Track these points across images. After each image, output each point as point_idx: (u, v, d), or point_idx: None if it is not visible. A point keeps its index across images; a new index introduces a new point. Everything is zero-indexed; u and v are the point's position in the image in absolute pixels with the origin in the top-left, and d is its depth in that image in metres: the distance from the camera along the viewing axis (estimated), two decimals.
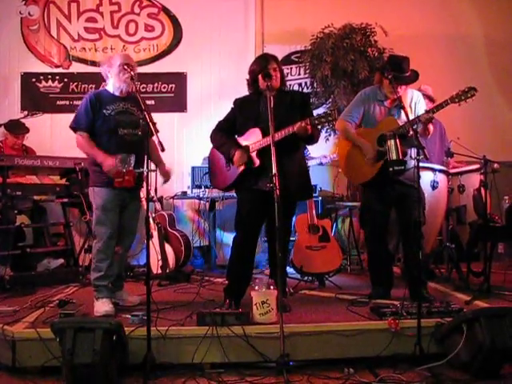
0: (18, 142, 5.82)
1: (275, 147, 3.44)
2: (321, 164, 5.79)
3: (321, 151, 6.04)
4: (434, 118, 3.92)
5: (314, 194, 5.86)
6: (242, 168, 3.91)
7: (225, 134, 4.04)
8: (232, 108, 4.09)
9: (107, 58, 4.18)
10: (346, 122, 4.21)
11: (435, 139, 5.30)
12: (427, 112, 3.90)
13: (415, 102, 4.17)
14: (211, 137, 4.09)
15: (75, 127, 3.92)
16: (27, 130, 5.85)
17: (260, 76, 3.85)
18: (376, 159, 4.02)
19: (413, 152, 3.93)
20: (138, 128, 3.84)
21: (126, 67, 3.87)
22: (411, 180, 4.04)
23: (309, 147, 5.46)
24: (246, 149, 3.89)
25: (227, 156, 3.96)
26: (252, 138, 3.89)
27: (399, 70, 4.03)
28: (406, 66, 4.07)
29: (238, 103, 4.06)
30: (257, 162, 3.85)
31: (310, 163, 5.18)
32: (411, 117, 3.90)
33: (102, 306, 3.76)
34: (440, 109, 3.83)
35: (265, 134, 3.77)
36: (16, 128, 5.75)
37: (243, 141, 3.95)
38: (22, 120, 5.78)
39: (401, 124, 3.95)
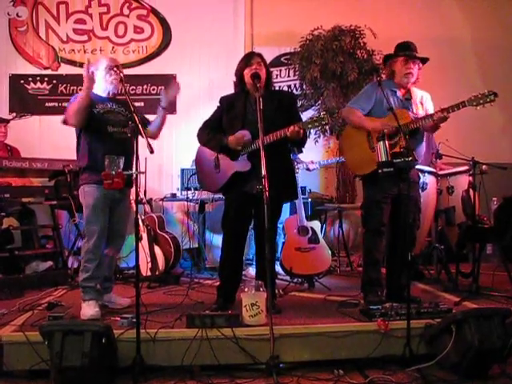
0: (1, 131, 5.81)
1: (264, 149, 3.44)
2: (308, 170, 5.74)
3: (311, 155, 6.01)
4: (448, 118, 3.78)
5: (304, 196, 5.87)
6: (232, 172, 3.91)
7: (211, 131, 4.02)
8: (218, 106, 4.08)
9: (93, 61, 4.19)
10: (354, 109, 4.07)
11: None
12: (442, 111, 3.76)
13: (425, 99, 4.10)
14: (198, 135, 4.08)
15: (63, 118, 3.91)
16: (7, 121, 5.85)
17: (246, 74, 3.86)
18: (393, 131, 3.82)
19: (427, 159, 3.92)
20: (127, 127, 3.85)
21: (112, 69, 3.92)
22: (414, 180, 4.04)
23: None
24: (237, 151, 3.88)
25: (219, 146, 3.92)
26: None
27: (409, 49, 4.02)
28: (414, 47, 4.05)
29: (225, 101, 4.05)
30: (248, 165, 3.85)
31: (296, 167, 5.11)
32: (421, 113, 3.89)
33: (88, 310, 3.74)
34: (455, 110, 3.71)
35: (254, 136, 3.77)
36: None
37: None
38: (11, 122, 5.76)
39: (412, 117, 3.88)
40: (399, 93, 4.07)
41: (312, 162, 5.71)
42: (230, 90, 4.16)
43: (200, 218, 6.28)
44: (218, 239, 5.88)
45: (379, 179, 3.88)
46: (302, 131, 3.71)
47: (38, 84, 6.92)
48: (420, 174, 4.61)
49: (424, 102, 4.09)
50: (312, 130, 6.21)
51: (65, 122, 3.91)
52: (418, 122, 3.84)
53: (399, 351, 3.30)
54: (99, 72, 3.96)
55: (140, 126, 3.37)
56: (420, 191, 4.56)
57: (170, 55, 7.10)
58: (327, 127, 6.27)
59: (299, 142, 3.91)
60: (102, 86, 3.99)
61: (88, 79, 3.75)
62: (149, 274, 5.29)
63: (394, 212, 4.05)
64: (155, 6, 7.10)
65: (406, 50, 4.04)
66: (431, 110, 4.04)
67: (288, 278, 5.02)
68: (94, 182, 3.83)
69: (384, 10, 6.96)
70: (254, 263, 4.32)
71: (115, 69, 3.92)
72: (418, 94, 4.11)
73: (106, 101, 3.98)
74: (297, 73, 6.89)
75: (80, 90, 6.53)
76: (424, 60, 4.07)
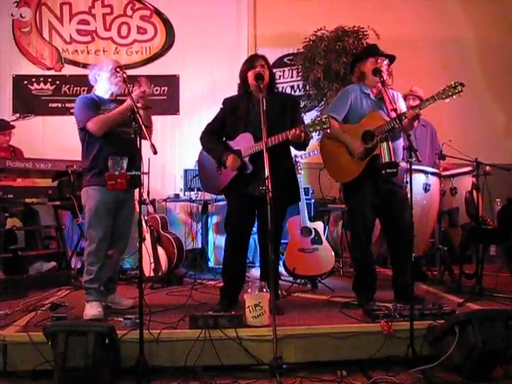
0: (6, 140, 5.82)
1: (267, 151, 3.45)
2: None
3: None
4: (420, 115, 3.84)
5: (307, 197, 5.87)
6: (234, 173, 3.91)
7: (215, 136, 4.03)
8: (221, 108, 4.08)
9: (96, 63, 4.18)
10: (331, 119, 4.04)
11: (426, 142, 5.32)
12: (413, 108, 3.84)
13: (396, 98, 4.14)
14: (201, 139, 4.09)
15: (83, 122, 3.84)
16: (13, 126, 5.84)
17: (250, 76, 3.87)
18: (364, 156, 3.94)
19: (405, 154, 3.94)
20: (130, 128, 3.86)
21: (117, 70, 3.92)
22: (399, 181, 4.05)
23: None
24: (239, 154, 3.88)
25: (219, 160, 3.95)
26: (243, 143, 3.88)
27: (377, 49, 4.17)
28: (378, 49, 4.18)
29: (228, 103, 4.05)
30: (250, 167, 3.85)
31: (298, 168, 5.06)
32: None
33: (91, 310, 3.75)
34: (427, 105, 3.78)
35: (256, 138, 3.76)
36: (1, 125, 5.73)
37: (234, 145, 3.94)
38: (13, 123, 5.76)
39: (385, 118, 3.93)
40: (372, 94, 4.12)
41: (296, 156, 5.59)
42: (233, 90, 4.16)
43: (203, 218, 6.29)
44: (221, 240, 5.88)
45: (363, 184, 3.98)
46: (303, 135, 3.70)
47: (42, 85, 6.93)
48: (423, 175, 4.61)
49: (396, 101, 4.10)
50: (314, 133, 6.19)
51: (83, 128, 3.88)
52: (391, 123, 3.84)
53: (402, 352, 3.30)
54: (104, 73, 3.97)
55: (143, 127, 3.37)
56: (423, 192, 4.58)
57: (173, 56, 7.11)
58: (329, 130, 6.24)
59: (301, 145, 3.91)
60: (106, 87, 4.00)
61: (141, 98, 3.75)
62: (152, 274, 5.29)
63: (389, 213, 4.06)
64: (158, 6, 7.10)
65: (373, 51, 4.17)
66: (404, 109, 4.09)
67: (291, 278, 5.02)
68: (96, 184, 3.82)
69: (387, 11, 6.95)
70: (256, 264, 4.33)
71: (118, 70, 3.93)
72: (388, 92, 4.10)
73: (109, 102, 3.98)
74: (300, 73, 6.89)
75: (83, 90, 6.65)
76: (391, 58, 4.15)
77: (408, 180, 4.56)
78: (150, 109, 3.94)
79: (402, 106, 4.13)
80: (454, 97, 3.66)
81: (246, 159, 3.85)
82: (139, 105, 3.71)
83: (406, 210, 3.83)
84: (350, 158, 4.02)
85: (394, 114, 3.81)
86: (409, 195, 3.48)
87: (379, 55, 4.10)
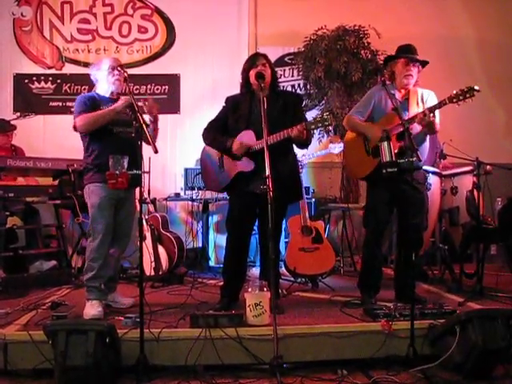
0: (8, 141, 5.82)
1: (268, 149, 3.45)
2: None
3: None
4: (430, 118, 3.81)
5: (308, 196, 5.86)
6: (235, 171, 3.91)
7: (217, 131, 4.03)
8: (224, 106, 4.08)
9: (96, 62, 4.19)
10: (352, 116, 4.16)
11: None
12: (423, 112, 3.83)
13: (426, 98, 4.10)
14: (203, 135, 4.08)
15: (74, 119, 3.90)
16: (14, 127, 5.83)
17: (251, 74, 3.87)
18: (383, 138, 3.80)
19: (430, 157, 3.91)
20: (131, 127, 3.85)
21: (116, 69, 3.94)
22: (419, 182, 4.04)
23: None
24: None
25: (223, 147, 3.94)
26: (246, 140, 3.87)
27: (410, 51, 4.07)
28: (415, 50, 4.09)
29: (231, 101, 4.05)
30: (252, 165, 3.86)
31: (300, 166, 5.05)
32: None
33: (91, 310, 3.75)
34: (437, 108, 3.80)
35: (258, 136, 3.77)
36: (3, 127, 5.73)
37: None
38: (13, 121, 5.76)
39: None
40: (398, 95, 4.09)
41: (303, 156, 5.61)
42: (233, 89, 4.16)
43: (204, 217, 6.29)
44: (221, 239, 5.88)
45: (379, 182, 3.95)
46: (305, 132, 3.70)
47: (43, 83, 6.94)
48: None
49: (425, 101, 4.08)
50: (316, 130, 6.20)
51: (75, 129, 3.91)
52: (403, 124, 3.76)
53: (403, 352, 3.30)
54: (101, 72, 3.99)
55: (144, 126, 3.37)
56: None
57: (173, 55, 7.10)
58: (331, 127, 6.26)
59: (303, 143, 3.91)
60: (105, 86, 4.01)
61: (123, 106, 3.79)
62: (152, 273, 5.29)
63: (400, 213, 4.06)
64: (159, 5, 7.10)
65: (407, 53, 4.08)
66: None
67: (292, 278, 5.01)
68: (99, 181, 3.83)
69: (388, 10, 6.95)
70: (256, 263, 4.33)
71: (119, 68, 3.94)
72: (418, 93, 4.12)
73: (109, 101, 3.98)
74: (301, 73, 6.89)
75: (84, 89, 6.65)
76: (424, 63, 4.11)
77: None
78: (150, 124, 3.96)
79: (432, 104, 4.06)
80: (466, 101, 3.65)
81: (248, 157, 3.86)
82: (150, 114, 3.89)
83: (418, 213, 3.83)
84: (365, 155, 4.03)
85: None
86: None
87: (409, 58, 4.04)
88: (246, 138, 3.88)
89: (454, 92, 3.67)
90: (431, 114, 3.81)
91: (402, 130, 3.75)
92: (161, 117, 6.73)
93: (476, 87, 3.63)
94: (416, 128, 3.91)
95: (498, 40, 7.17)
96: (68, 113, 6.50)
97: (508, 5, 7.28)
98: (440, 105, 3.77)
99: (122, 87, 3.99)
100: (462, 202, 4.75)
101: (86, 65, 6.72)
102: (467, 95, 3.64)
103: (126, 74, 3.82)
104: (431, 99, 4.10)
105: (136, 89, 6.82)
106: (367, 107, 4.13)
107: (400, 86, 4.08)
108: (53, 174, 5.31)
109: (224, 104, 4.09)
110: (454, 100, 3.67)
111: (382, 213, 4.07)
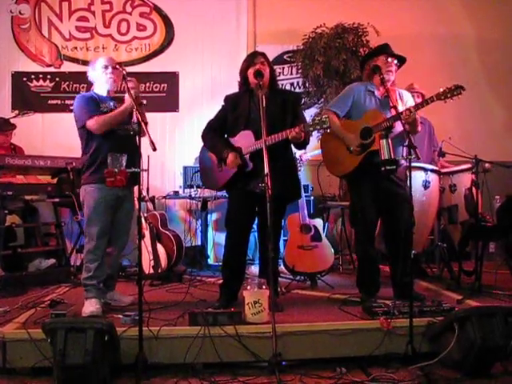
0: (6, 140, 5.81)
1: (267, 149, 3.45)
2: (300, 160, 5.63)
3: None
4: (415, 116, 3.83)
5: (306, 194, 5.86)
6: (234, 170, 3.91)
7: (216, 133, 4.03)
8: (223, 105, 4.08)
9: (91, 62, 4.19)
10: (332, 114, 4.13)
11: (424, 139, 5.32)
12: (408, 109, 3.82)
13: (406, 100, 4.15)
14: (203, 137, 4.10)
15: (83, 120, 3.86)
16: (14, 126, 5.83)
17: (250, 73, 3.87)
18: (359, 152, 3.97)
19: (404, 151, 3.94)
20: (129, 125, 3.86)
21: (109, 67, 3.94)
22: (401, 179, 4.05)
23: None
24: (239, 151, 3.89)
25: (219, 157, 3.96)
26: (244, 141, 3.88)
27: (388, 48, 4.15)
28: (391, 48, 4.16)
29: (230, 100, 4.05)
30: (250, 165, 3.86)
31: (299, 165, 5.04)
32: (401, 109, 3.91)
33: (89, 307, 3.75)
34: (424, 105, 3.81)
35: (257, 136, 3.76)
36: (3, 125, 5.73)
37: (235, 143, 3.94)
38: (12, 120, 5.76)
39: (386, 116, 3.93)
40: (377, 92, 4.12)
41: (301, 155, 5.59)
42: (232, 87, 4.16)
43: (202, 215, 6.29)
44: (220, 237, 5.88)
45: (361, 181, 4.02)
46: (303, 134, 3.70)
47: (41, 81, 6.92)
48: (423, 172, 4.61)
49: (405, 102, 4.12)
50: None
51: (82, 127, 3.88)
52: (389, 120, 3.86)
53: (402, 349, 3.30)
54: (96, 72, 4.00)
55: (142, 123, 3.36)
56: (422, 189, 4.57)
57: (172, 53, 7.08)
58: (329, 130, 6.24)
59: (301, 144, 3.92)
60: (101, 85, 4.02)
61: (132, 106, 3.70)
62: (151, 271, 5.30)
63: (388, 210, 4.07)
64: (158, 3, 7.08)
65: (385, 50, 4.16)
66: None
67: (290, 275, 5.01)
68: (95, 182, 3.83)
69: (387, 8, 6.94)
70: (255, 262, 4.32)
71: (117, 66, 3.94)
72: (396, 92, 4.16)
73: (107, 100, 3.99)
74: (299, 71, 6.88)
75: (83, 87, 6.64)
76: (402, 60, 4.16)
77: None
78: (143, 105, 3.92)
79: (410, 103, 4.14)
80: (454, 98, 3.68)
81: (247, 157, 3.86)
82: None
83: (405, 209, 3.83)
84: (347, 153, 4.05)
85: (394, 112, 3.83)
86: (410, 193, 3.48)
87: (388, 54, 4.10)
88: (245, 138, 3.88)
89: (442, 90, 3.71)
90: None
91: (386, 126, 3.83)
92: (159, 115, 6.84)
93: (462, 86, 3.66)
94: (396, 129, 3.94)
95: (496, 37, 7.16)
96: (67, 111, 6.47)
97: (507, 4, 7.27)
98: (427, 102, 3.78)
99: (118, 85, 3.99)
100: (461, 200, 4.75)
101: (85, 63, 6.70)
102: (454, 93, 3.67)
103: (124, 72, 3.81)
104: (411, 100, 4.18)
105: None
106: (347, 103, 4.15)
107: (379, 82, 4.08)
108: (52, 172, 5.31)
109: (223, 103, 4.08)
110: (442, 97, 3.71)
111: (370, 213, 4.08)
